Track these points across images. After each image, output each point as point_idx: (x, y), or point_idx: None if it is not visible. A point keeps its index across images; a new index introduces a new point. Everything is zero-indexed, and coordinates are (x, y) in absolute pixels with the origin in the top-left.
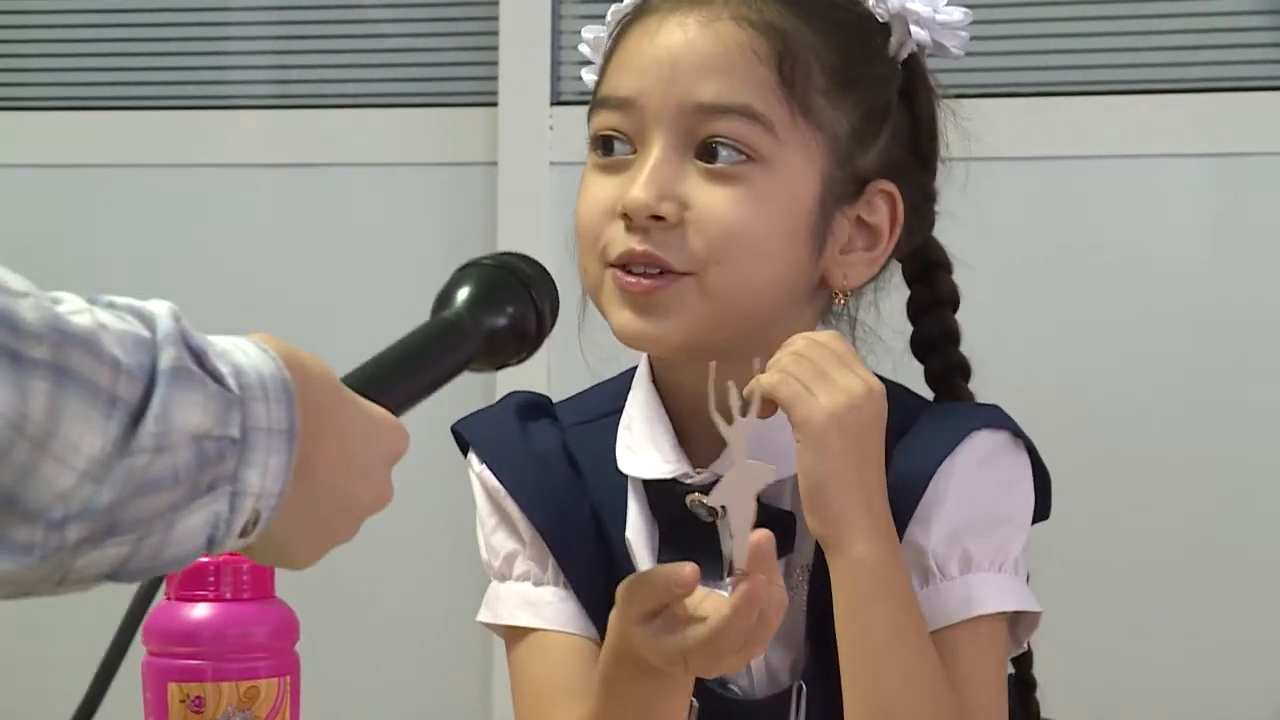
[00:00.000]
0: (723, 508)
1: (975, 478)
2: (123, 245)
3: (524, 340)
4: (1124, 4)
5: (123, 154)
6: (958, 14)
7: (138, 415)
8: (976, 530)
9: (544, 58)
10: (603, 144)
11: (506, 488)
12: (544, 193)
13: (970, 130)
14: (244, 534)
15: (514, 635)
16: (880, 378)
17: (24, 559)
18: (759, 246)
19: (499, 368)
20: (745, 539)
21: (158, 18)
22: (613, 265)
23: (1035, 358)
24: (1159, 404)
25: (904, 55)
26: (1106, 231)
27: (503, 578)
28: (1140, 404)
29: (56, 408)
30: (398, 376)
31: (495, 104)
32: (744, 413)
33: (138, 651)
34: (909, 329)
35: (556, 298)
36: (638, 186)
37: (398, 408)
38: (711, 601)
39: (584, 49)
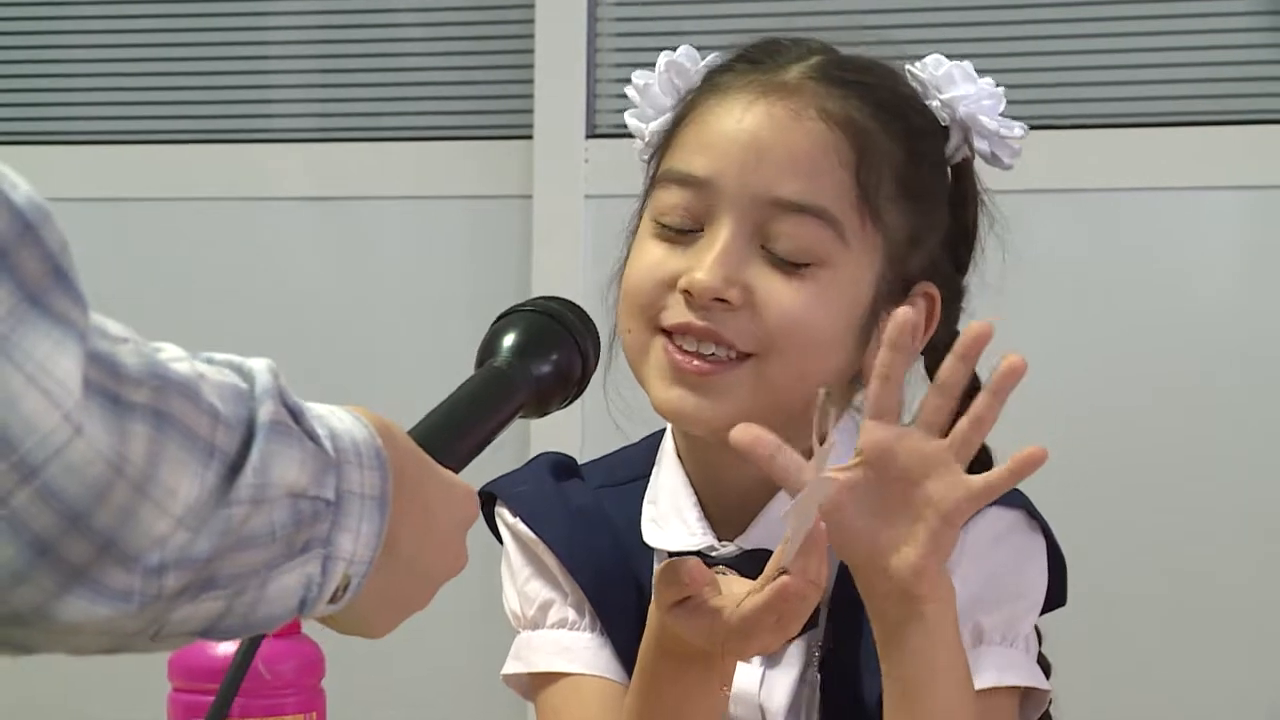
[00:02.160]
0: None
1: (988, 553)
2: (163, 278)
3: (569, 384)
4: (1161, 36)
5: (162, 188)
6: (1018, 130)
7: (236, 467)
8: (987, 604)
9: (579, 91)
10: (666, 222)
11: (546, 540)
12: (579, 225)
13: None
14: (334, 599)
15: (544, 681)
16: None
17: (123, 605)
18: (818, 341)
19: (545, 413)
20: (796, 544)
21: (196, 52)
22: (665, 331)
23: (1070, 388)
24: (1194, 434)
25: (958, 159)
26: (1143, 264)
27: (535, 626)
28: (1175, 434)
29: (155, 452)
30: (458, 432)
31: (530, 137)
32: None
33: (164, 687)
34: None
35: (598, 339)
36: (704, 268)
37: (459, 464)
38: (742, 585)
39: (631, 92)
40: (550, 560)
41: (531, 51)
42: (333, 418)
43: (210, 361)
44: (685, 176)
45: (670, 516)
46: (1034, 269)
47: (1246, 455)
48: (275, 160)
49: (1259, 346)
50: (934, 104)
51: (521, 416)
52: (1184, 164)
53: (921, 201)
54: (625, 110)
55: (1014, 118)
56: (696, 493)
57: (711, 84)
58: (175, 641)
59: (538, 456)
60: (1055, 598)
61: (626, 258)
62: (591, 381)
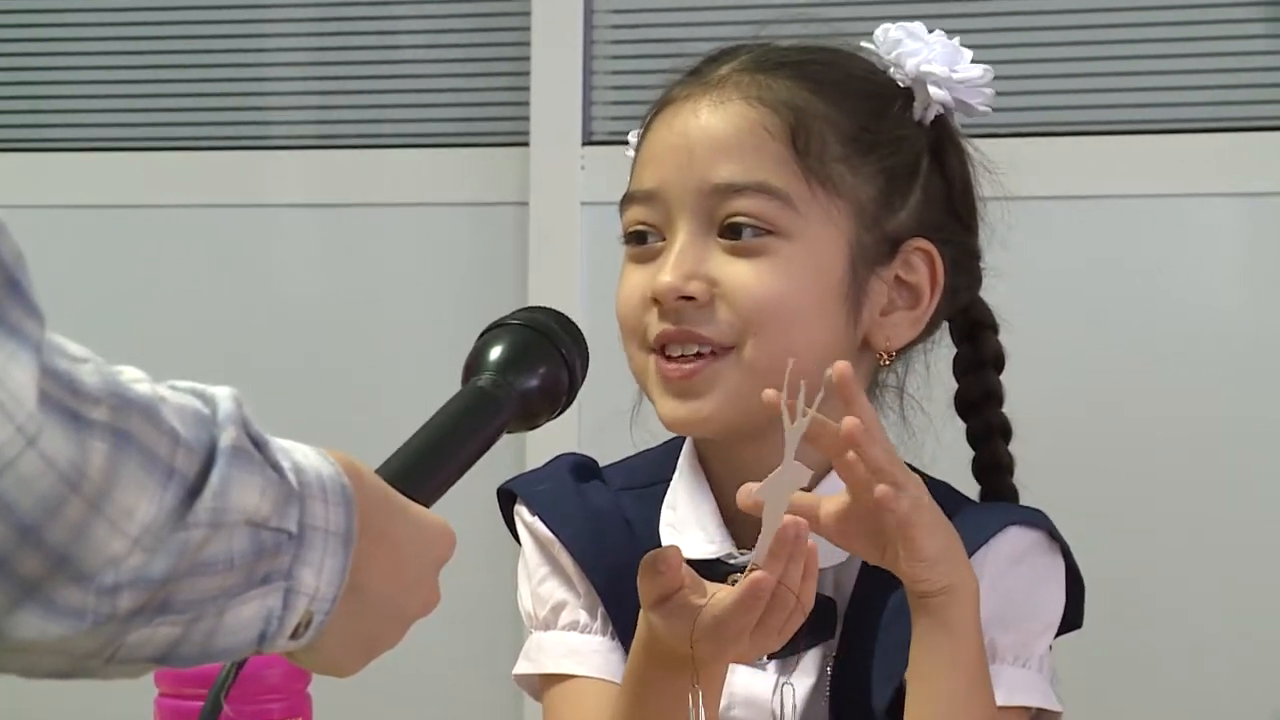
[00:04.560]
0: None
1: (1006, 572)
2: (160, 285)
3: (557, 398)
4: (1158, 43)
5: (160, 195)
6: (976, 71)
7: (195, 489)
8: (1004, 624)
9: (575, 97)
10: (634, 238)
11: (562, 540)
12: (575, 233)
13: (1005, 183)
14: (295, 635)
15: (552, 682)
16: (925, 475)
17: (75, 624)
18: (791, 316)
19: (532, 427)
20: (768, 539)
21: (193, 59)
22: (654, 351)
23: (1068, 395)
24: (1193, 441)
25: (930, 117)
26: (1140, 271)
27: (547, 627)
28: (1174, 442)
29: (113, 470)
30: (440, 458)
31: (527, 144)
32: (805, 413)
33: (150, 691)
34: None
35: (586, 350)
36: (665, 271)
37: (443, 488)
38: (724, 590)
39: (629, 152)
40: (566, 560)
41: (528, 59)
42: (297, 452)
43: (173, 388)
44: (636, 193)
45: (689, 523)
46: (1029, 275)
47: (1246, 461)
48: (273, 167)
49: (1258, 353)
50: (890, 70)
51: (508, 431)
52: (1181, 170)
53: (883, 160)
54: (622, 118)
55: (1011, 125)
56: (717, 499)
57: (658, 105)
58: (132, 668)
59: (559, 457)
60: (1071, 620)
61: None
62: (582, 391)
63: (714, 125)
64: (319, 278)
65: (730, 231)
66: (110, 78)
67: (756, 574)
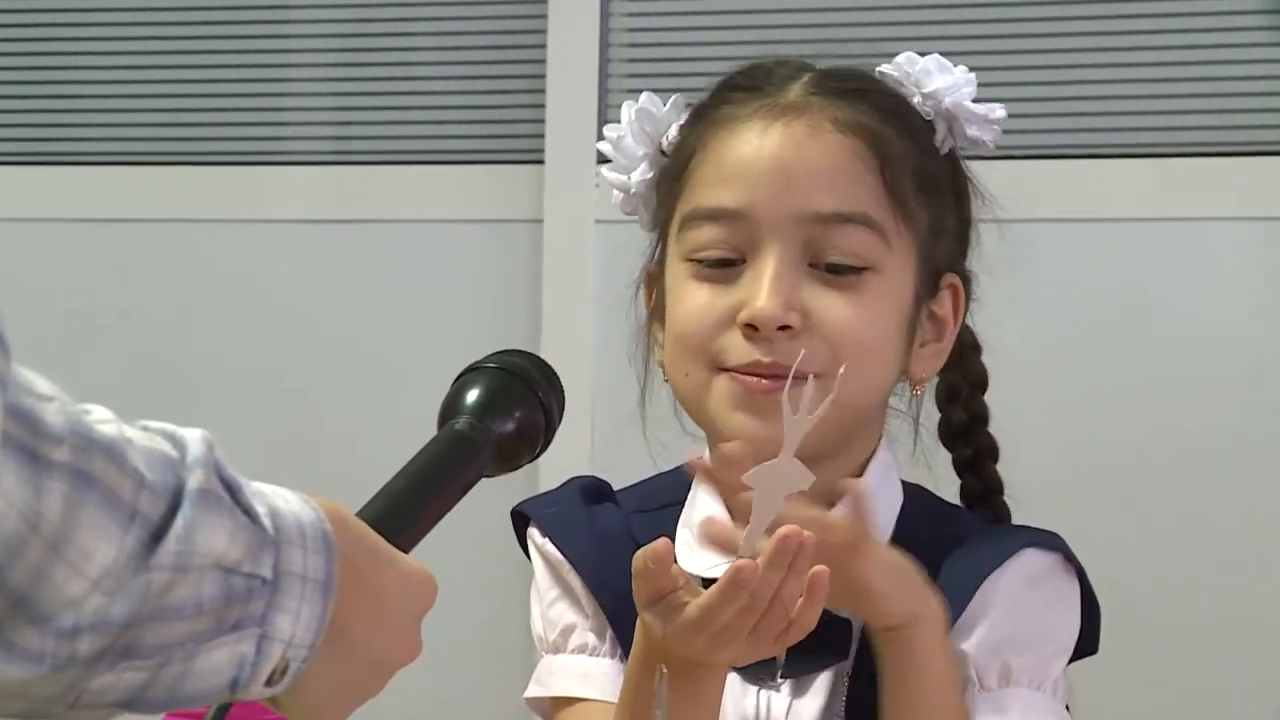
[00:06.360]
0: None
1: (1022, 594)
2: (174, 299)
3: (534, 441)
4: (1173, 66)
5: (175, 210)
6: (999, 111)
7: (158, 533)
8: (1018, 646)
9: (590, 116)
10: (709, 259)
11: (571, 561)
12: (589, 251)
13: (1013, 206)
14: (270, 682)
15: (562, 705)
16: (941, 500)
17: (34, 667)
18: (876, 350)
19: (512, 469)
20: (759, 530)
21: (211, 75)
22: (731, 370)
23: (1083, 421)
24: (1207, 467)
25: (946, 149)
26: (1155, 295)
27: (557, 650)
28: (1189, 465)
29: (72, 511)
30: (420, 503)
31: (542, 162)
32: (810, 410)
33: None
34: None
35: (562, 393)
36: (763, 296)
37: (420, 534)
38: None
39: (605, 147)
40: (575, 581)
41: (543, 77)
42: (276, 497)
43: (145, 429)
44: (716, 211)
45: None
46: (1044, 299)
47: (1250, 478)
48: (289, 183)
49: (1270, 378)
50: (916, 99)
51: (486, 475)
52: (1195, 195)
53: (936, 194)
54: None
55: (1026, 147)
56: (734, 520)
57: (712, 118)
58: (98, 713)
59: (571, 479)
60: (1086, 645)
61: (652, 309)
62: (594, 404)
63: (814, 153)
64: (333, 293)
65: (823, 261)
66: (126, 92)
67: (740, 562)
